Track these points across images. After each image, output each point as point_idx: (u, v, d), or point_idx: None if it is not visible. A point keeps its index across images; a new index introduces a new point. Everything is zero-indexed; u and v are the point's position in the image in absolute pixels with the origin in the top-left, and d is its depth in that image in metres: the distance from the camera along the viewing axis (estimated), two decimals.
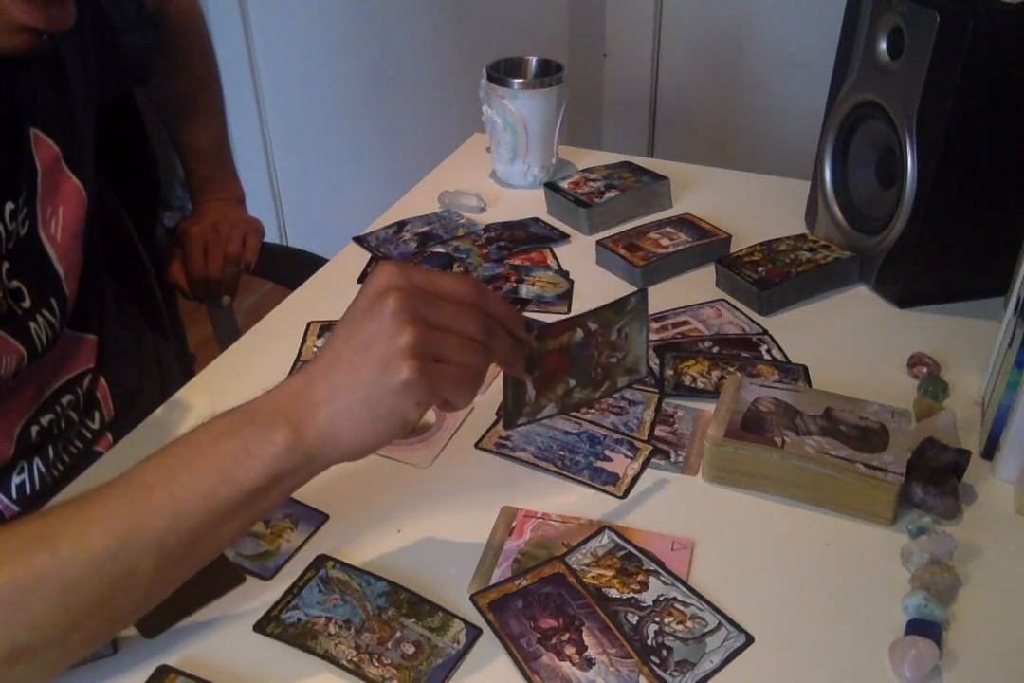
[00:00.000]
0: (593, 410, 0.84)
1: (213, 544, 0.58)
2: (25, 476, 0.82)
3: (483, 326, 0.58)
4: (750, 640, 0.64)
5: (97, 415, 0.91)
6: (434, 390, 0.56)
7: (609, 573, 0.68)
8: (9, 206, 0.76)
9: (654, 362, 0.89)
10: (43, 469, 0.83)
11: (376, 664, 0.62)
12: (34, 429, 0.82)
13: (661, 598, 0.66)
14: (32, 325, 0.79)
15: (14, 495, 0.81)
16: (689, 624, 0.65)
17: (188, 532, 0.55)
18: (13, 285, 0.78)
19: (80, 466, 0.85)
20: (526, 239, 1.11)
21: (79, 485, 0.76)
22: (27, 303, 0.79)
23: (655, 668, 0.61)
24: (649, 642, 0.63)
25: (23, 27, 0.67)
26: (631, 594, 0.67)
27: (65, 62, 0.84)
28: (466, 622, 0.65)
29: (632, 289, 1.01)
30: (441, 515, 0.74)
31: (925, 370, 0.88)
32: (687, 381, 0.87)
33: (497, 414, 0.83)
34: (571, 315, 0.73)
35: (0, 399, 0.78)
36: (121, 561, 0.54)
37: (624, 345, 0.70)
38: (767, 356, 0.91)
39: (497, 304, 0.60)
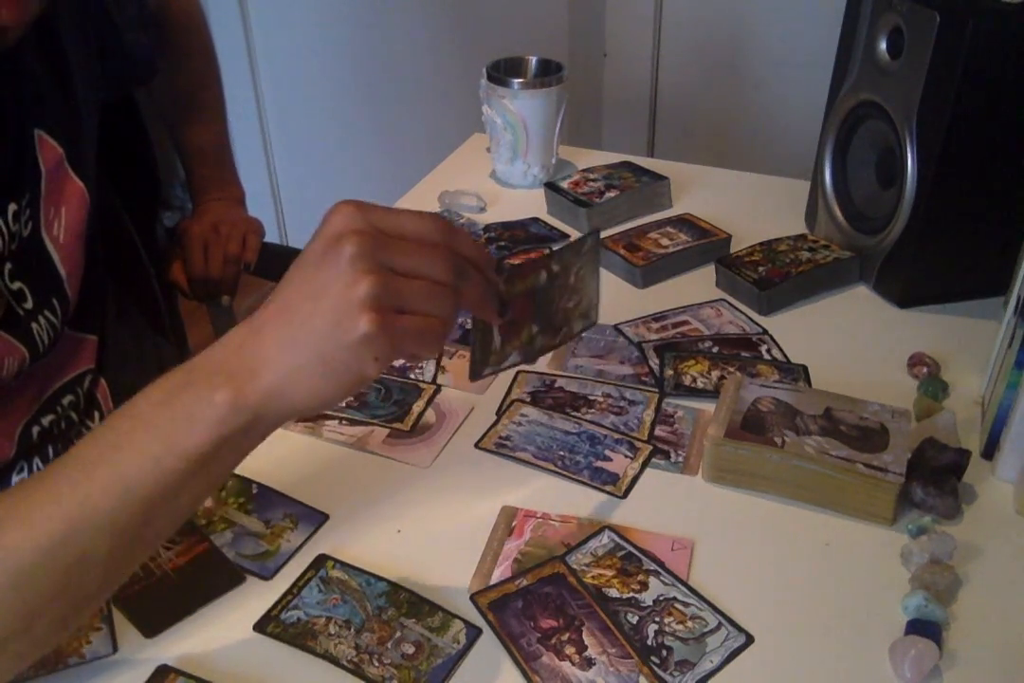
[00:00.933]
0: (593, 410, 0.84)
1: (171, 516, 0.55)
2: (24, 475, 0.82)
3: (451, 268, 0.53)
4: (750, 640, 0.64)
5: (97, 415, 0.91)
6: (395, 344, 0.51)
7: (609, 573, 0.68)
8: (12, 207, 0.76)
9: (654, 362, 0.89)
10: (42, 468, 0.83)
11: (376, 664, 0.62)
12: (35, 429, 0.82)
13: (661, 598, 0.66)
14: (34, 326, 0.79)
15: None
16: (689, 624, 0.65)
17: (140, 507, 0.52)
18: (15, 286, 0.77)
19: None
20: (526, 239, 1.11)
21: None
22: (29, 304, 0.79)
23: (655, 668, 0.61)
24: (649, 642, 0.63)
25: None
26: (631, 594, 0.67)
27: (69, 63, 0.84)
28: (466, 622, 0.65)
29: (632, 289, 1.02)
30: (441, 515, 0.74)
31: (925, 370, 0.88)
32: (687, 381, 0.87)
33: (497, 413, 0.83)
34: (536, 256, 0.70)
35: (1, 400, 0.78)
36: (72, 545, 0.51)
37: (580, 289, 0.67)
38: (767, 356, 0.91)
39: (466, 243, 0.55)
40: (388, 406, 0.84)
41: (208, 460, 0.52)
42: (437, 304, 0.52)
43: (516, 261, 1.06)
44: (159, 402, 0.53)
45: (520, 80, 1.16)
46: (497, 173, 1.24)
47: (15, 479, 0.81)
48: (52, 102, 0.81)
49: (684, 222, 1.10)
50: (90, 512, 0.51)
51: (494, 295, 0.58)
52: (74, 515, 0.51)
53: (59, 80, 0.83)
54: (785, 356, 0.91)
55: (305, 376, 0.52)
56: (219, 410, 0.51)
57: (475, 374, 0.63)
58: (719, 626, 0.64)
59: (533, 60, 1.23)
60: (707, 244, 1.06)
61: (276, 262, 1.24)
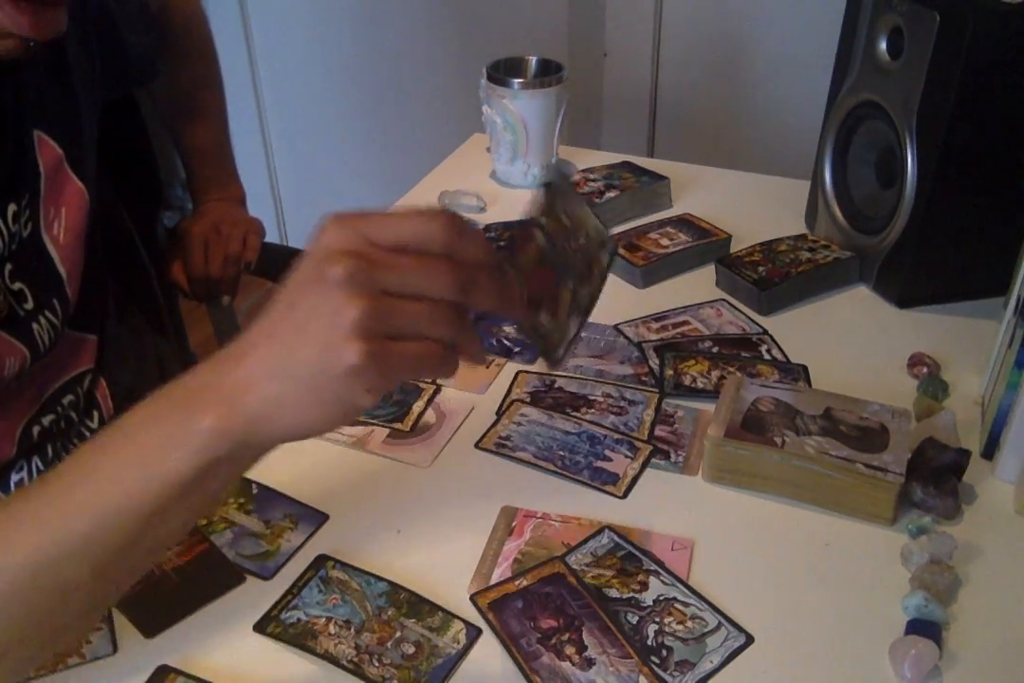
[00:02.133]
0: (593, 410, 0.84)
1: (154, 543, 0.52)
2: (24, 474, 0.82)
3: (454, 284, 0.47)
4: (750, 640, 0.64)
5: (97, 415, 0.91)
6: (388, 374, 0.47)
7: (609, 573, 0.68)
8: (12, 208, 0.76)
9: (654, 362, 0.89)
10: (42, 467, 0.83)
11: (376, 664, 0.62)
12: (35, 429, 0.82)
13: (661, 598, 0.66)
14: (35, 326, 0.79)
15: (12, 493, 0.81)
16: (689, 624, 0.65)
17: (119, 533, 0.49)
18: (16, 287, 0.77)
19: None
20: None
21: None
22: (30, 305, 0.79)
23: (655, 668, 0.61)
24: (649, 642, 0.63)
25: (9, 33, 0.66)
26: (631, 594, 0.67)
27: (70, 64, 0.84)
28: (466, 622, 0.65)
29: (632, 289, 1.02)
30: (441, 515, 0.74)
31: (925, 370, 0.88)
32: (687, 381, 0.87)
33: (497, 413, 0.83)
34: (516, 224, 0.65)
35: (2, 400, 0.78)
36: (49, 570, 0.49)
37: (579, 223, 0.62)
38: (767, 356, 0.91)
39: (475, 245, 0.49)
40: (388, 406, 0.84)
41: (191, 487, 0.49)
42: (438, 326, 0.48)
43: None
44: (145, 420, 0.51)
45: (520, 80, 1.16)
46: (497, 173, 1.24)
47: (14, 478, 0.81)
48: (52, 103, 0.81)
49: (684, 222, 1.10)
50: (69, 536, 0.49)
51: (514, 290, 0.52)
52: (54, 539, 0.49)
53: (59, 81, 0.83)
54: (785, 356, 0.91)
55: (292, 404, 0.48)
56: (203, 437, 0.49)
57: (554, 362, 0.59)
58: (719, 626, 0.64)
59: (533, 60, 1.23)
60: (707, 244, 1.06)
61: (276, 262, 1.24)
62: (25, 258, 0.78)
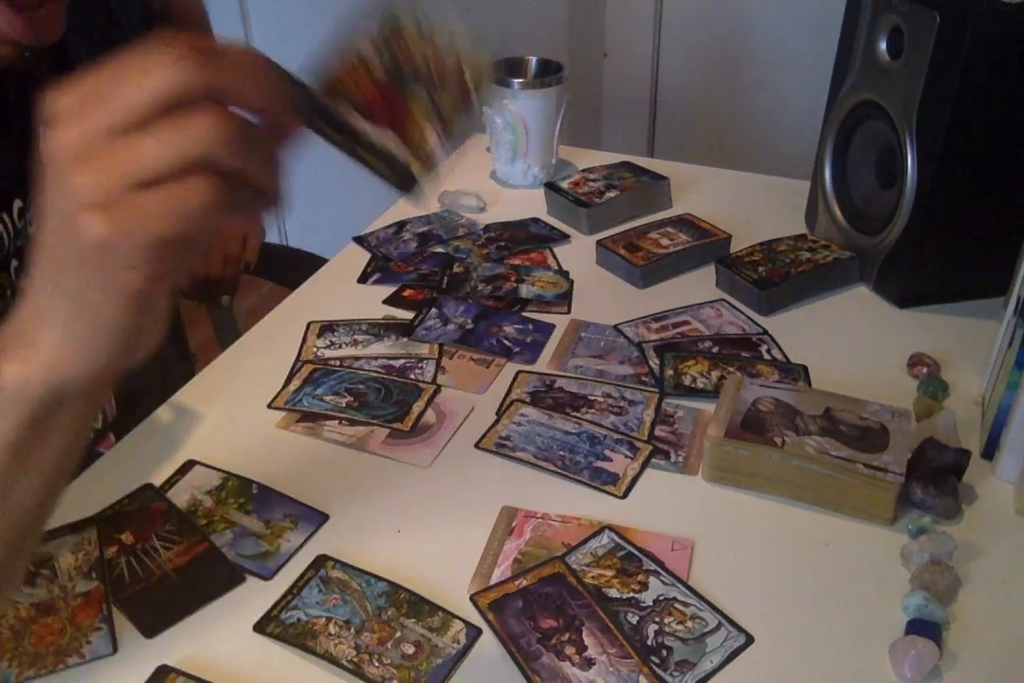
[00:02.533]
0: (593, 410, 0.84)
1: (18, 513, 0.47)
2: None
3: (181, 92, 0.37)
4: (750, 640, 0.64)
5: (100, 415, 0.91)
6: (144, 235, 0.38)
7: (609, 573, 0.68)
8: (17, 204, 0.77)
9: (654, 362, 0.89)
10: None
11: (376, 664, 0.62)
12: None
13: (661, 598, 0.66)
14: None
15: None
16: (689, 624, 0.65)
17: None
18: (23, 284, 0.78)
19: (82, 465, 0.85)
20: (526, 239, 1.11)
21: (81, 483, 0.76)
22: None
23: (655, 668, 0.61)
24: (649, 642, 0.63)
25: (5, 39, 0.66)
26: (631, 594, 0.67)
27: (74, 63, 0.84)
28: (466, 622, 0.65)
29: (632, 289, 1.02)
30: (441, 515, 0.74)
31: (925, 370, 0.88)
32: (687, 381, 0.87)
33: (497, 413, 0.83)
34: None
35: None
36: None
37: (431, 29, 0.51)
38: (767, 356, 0.91)
39: (233, 60, 0.38)
40: (388, 406, 0.84)
41: (25, 445, 0.45)
42: (188, 147, 0.37)
43: (516, 261, 1.06)
44: None
45: (520, 80, 1.16)
46: (497, 173, 1.24)
47: None
48: None
49: (684, 222, 1.10)
50: None
51: (293, 97, 0.42)
52: None
53: (65, 78, 0.83)
54: (785, 356, 0.91)
55: (75, 324, 0.42)
56: (12, 387, 0.44)
57: (409, 188, 0.51)
58: (719, 626, 0.64)
59: (533, 60, 1.23)
60: (707, 244, 1.06)
61: (276, 262, 1.24)
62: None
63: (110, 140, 0.38)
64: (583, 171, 1.19)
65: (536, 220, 1.15)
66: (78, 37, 0.85)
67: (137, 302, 0.41)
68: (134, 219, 0.37)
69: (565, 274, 1.04)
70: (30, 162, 0.78)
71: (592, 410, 0.84)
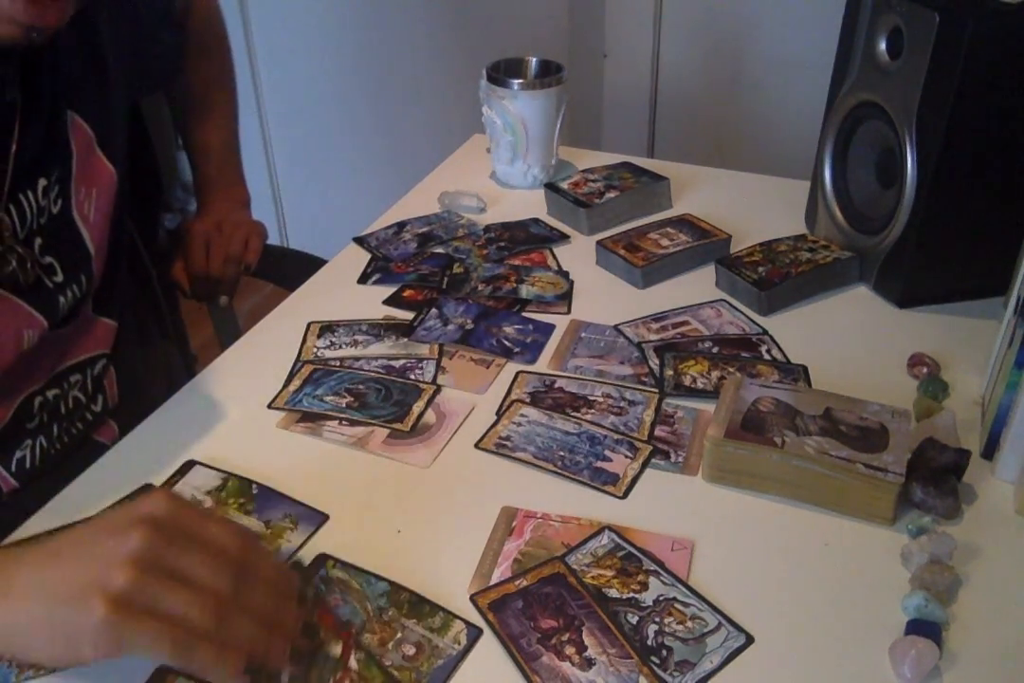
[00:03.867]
0: (593, 410, 0.84)
1: None
2: (27, 452, 0.83)
3: (228, 578, 0.54)
4: (750, 640, 0.64)
5: (101, 399, 0.91)
6: (122, 642, 0.50)
7: (609, 573, 0.68)
8: (42, 182, 0.78)
9: (654, 362, 0.89)
10: (44, 445, 0.84)
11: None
12: (37, 400, 0.83)
13: (661, 598, 0.66)
14: (60, 299, 0.81)
15: (13, 469, 0.82)
16: (689, 624, 0.65)
17: None
18: (46, 261, 0.80)
19: (78, 449, 0.87)
20: (526, 239, 1.11)
21: (86, 479, 0.77)
22: (59, 277, 0.81)
23: (655, 668, 0.62)
24: (649, 642, 0.63)
25: (10, 19, 0.66)
26: (631, 594, 0.67)
27: (107, 59, 0.85)
28: (467, 622, 0.65)
29: (632, 289, 1.02)
30: (441, 515, 0.74)
31: (925, 370, 0.88)
32: (687, 381, 0.87)
33: (497, 414, 0.83)
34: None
35: (14, 369, 0.79)
36: None
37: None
38: (767, 356, 0.91)
39: (264, 562, 0.58)
40: (388, 406, 0.84)
41: None
42: (196, 612, 0.52)
43: (516, 262, 1.06)
44: None
45: (520, 81, 1.16)
46: (497, 174, 1.25)
47: (16, 453, 0.82)
48: (87, 90, 0.84)
49: (684, 222, 1.10)
50: None
51: (288, 629, 0.58)
52: None
53: (96, 72, 0.85)
54: (785, 356, 0.91)
55: (26, 632, 0.52)
56: None
57: None
58: (719, 626, 0.64)
59: (533, 60, 1.23)
60: (707, 244, 1.06)
61: (276, 264, 1.24)
62: (56, 233, 0.81)
63: (163, 578, 0.52)
64: (583, 171, 1.19)
65: (536, 220, 1.15)
66: (111, 36, 0.86)
67: (78, 658, 0.52)
68: (133, 630, 0.50)
69: (565, 274, 1.04)
70: (56, 143, 0.80)
71: (592, 410, 0.84)
